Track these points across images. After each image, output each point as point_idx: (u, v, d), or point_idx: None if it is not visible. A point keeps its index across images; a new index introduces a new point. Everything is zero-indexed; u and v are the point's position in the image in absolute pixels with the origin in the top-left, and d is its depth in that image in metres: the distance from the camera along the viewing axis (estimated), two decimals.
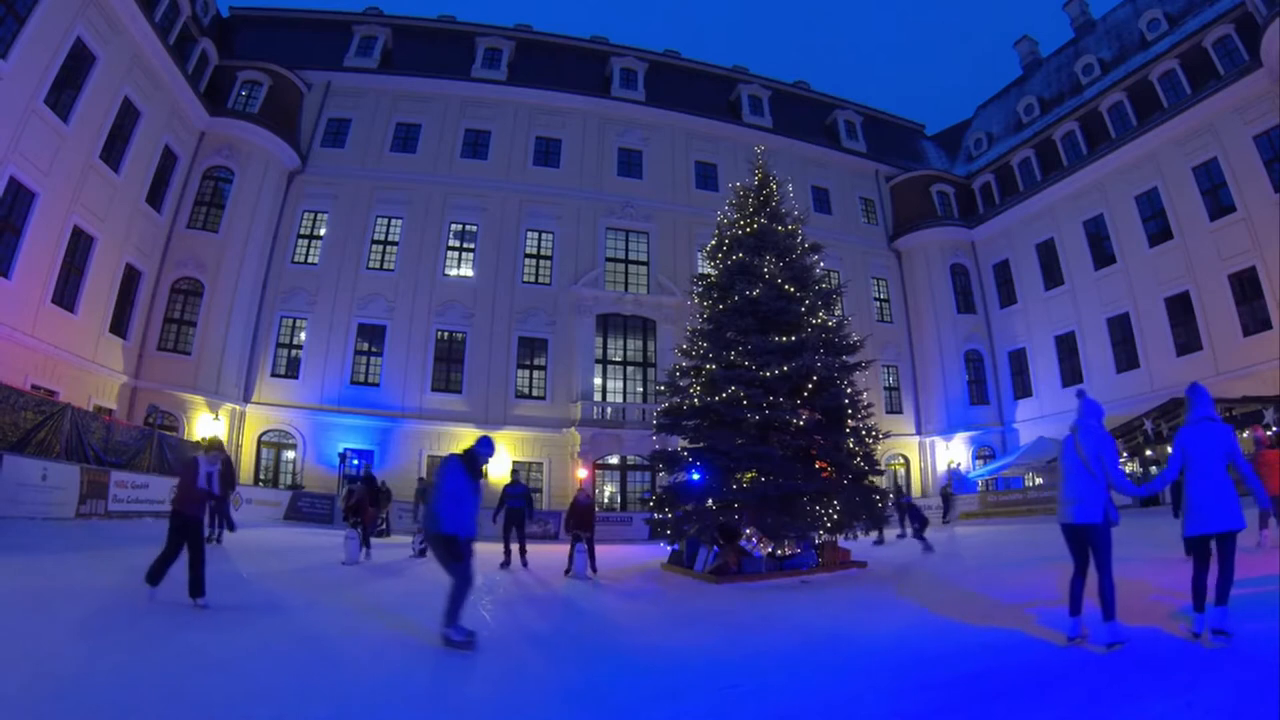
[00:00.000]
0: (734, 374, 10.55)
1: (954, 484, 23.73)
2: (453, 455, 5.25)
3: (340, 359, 22.42)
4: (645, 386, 24.23)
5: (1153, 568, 7.18)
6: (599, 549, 10.64)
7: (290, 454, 21.82)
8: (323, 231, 23.67)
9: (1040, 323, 26.07)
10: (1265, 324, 18.96)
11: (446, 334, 23.44)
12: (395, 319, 23.00)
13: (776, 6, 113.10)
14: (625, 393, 24.35)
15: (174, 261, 20.41)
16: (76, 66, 15.94)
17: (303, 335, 22.70)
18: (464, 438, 21.50)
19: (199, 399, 19.89)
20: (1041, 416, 24.81)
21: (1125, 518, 4.73)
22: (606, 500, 23.25)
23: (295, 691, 3.69)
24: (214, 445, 6.54)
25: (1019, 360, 26.91)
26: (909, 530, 14.75)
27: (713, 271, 12.22)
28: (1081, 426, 4.55)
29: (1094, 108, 25.05)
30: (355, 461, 21.49)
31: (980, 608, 6.12)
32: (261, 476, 21.32)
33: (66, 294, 16.48)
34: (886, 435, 12.86)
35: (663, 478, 13.99)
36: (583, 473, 22.34)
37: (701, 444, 11.04)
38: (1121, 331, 23.21)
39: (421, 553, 11.77)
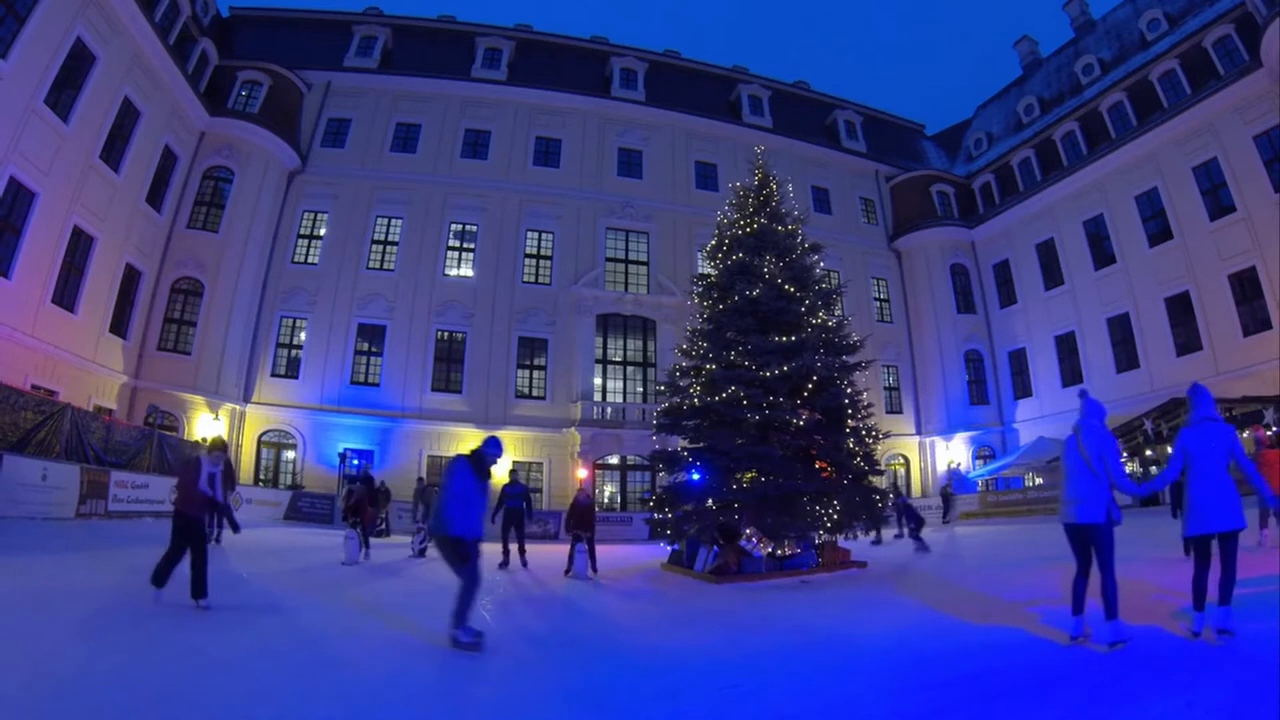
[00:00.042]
0: (734, 374, 10.56)
1: (954, 484, 23.74)
2: (460, 456, 5.10)
3: (340, 359, 22.42)
4: (645, 386, 24.22)
5: (1153, 567, 7.18)
6: (599, 549, 10.63)
7: (290, 454, 21.83)
8: (323, 231, 23.67)
9: (1040, 323, 26.06)
10: (1265, 324, 18.96)
11: (446, 334, 23.44)
12: (395, 319, 22.99)
13: (776, 6, 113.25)
14: (625, 393, 24.34)
15: (174, 261, 20.41)
16: (76, 66, 15.94)
17: (303, 335, 22.69)
18: (464, 438, 21.50)
19: (199, 399, 19.89)
20: (1041, 416, 24.81)
21: (1126, 517, 4.73)
22: (606, 500, 23.24)
23: (295, 692, 3.69)
24: (217, 445, 6.50)
25: (1019, 360, 26.90)
26: (905, 530, 14.78)
27: (713, 271, 12.23)
28: (1084, 426, 4.56)
29: (1094, 108, 25.04)
30: (355, 461, 21.48)
31: (980, 607, 6.12)
32: (261, 476, 21.31)
33: (66, 294, 16.47)
34: (886, 435, 12.87)
35: (663, 478, 13.99)
36: (583, 473, 22.33)
37: (701, 444, 11.04)
38: (1121, 331, 23.21)
39: (421, 552, 11.79)
